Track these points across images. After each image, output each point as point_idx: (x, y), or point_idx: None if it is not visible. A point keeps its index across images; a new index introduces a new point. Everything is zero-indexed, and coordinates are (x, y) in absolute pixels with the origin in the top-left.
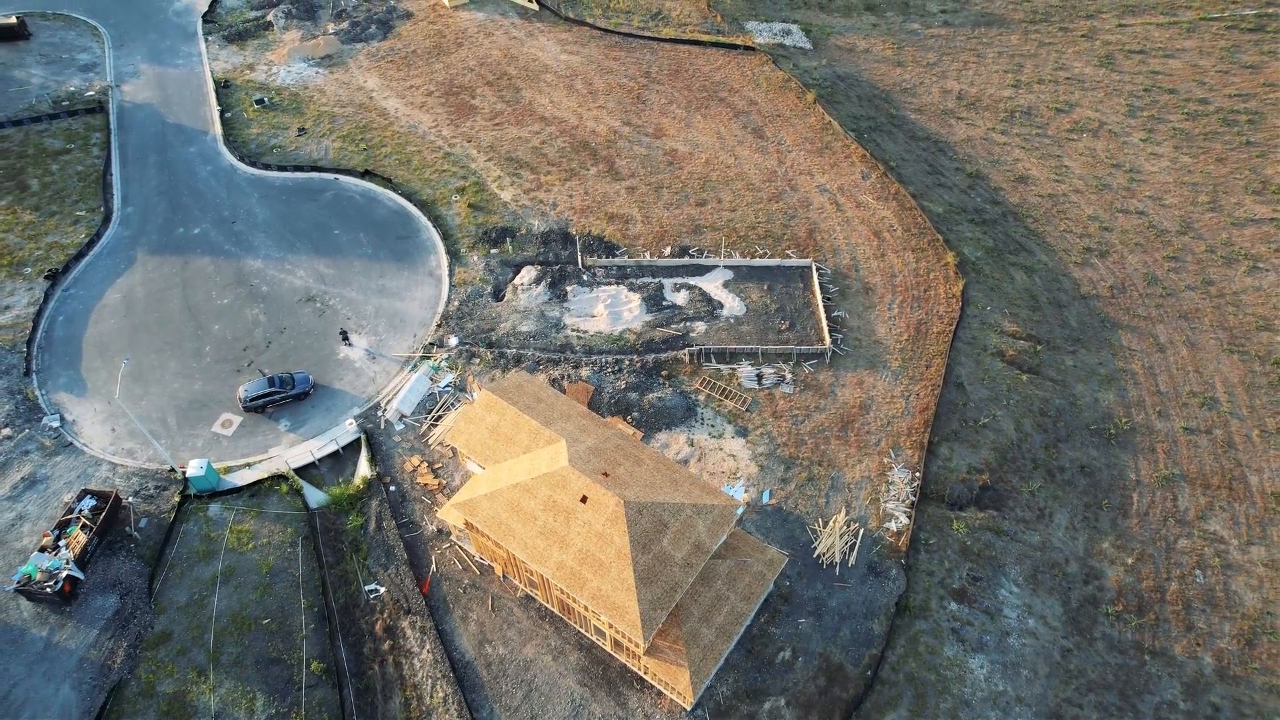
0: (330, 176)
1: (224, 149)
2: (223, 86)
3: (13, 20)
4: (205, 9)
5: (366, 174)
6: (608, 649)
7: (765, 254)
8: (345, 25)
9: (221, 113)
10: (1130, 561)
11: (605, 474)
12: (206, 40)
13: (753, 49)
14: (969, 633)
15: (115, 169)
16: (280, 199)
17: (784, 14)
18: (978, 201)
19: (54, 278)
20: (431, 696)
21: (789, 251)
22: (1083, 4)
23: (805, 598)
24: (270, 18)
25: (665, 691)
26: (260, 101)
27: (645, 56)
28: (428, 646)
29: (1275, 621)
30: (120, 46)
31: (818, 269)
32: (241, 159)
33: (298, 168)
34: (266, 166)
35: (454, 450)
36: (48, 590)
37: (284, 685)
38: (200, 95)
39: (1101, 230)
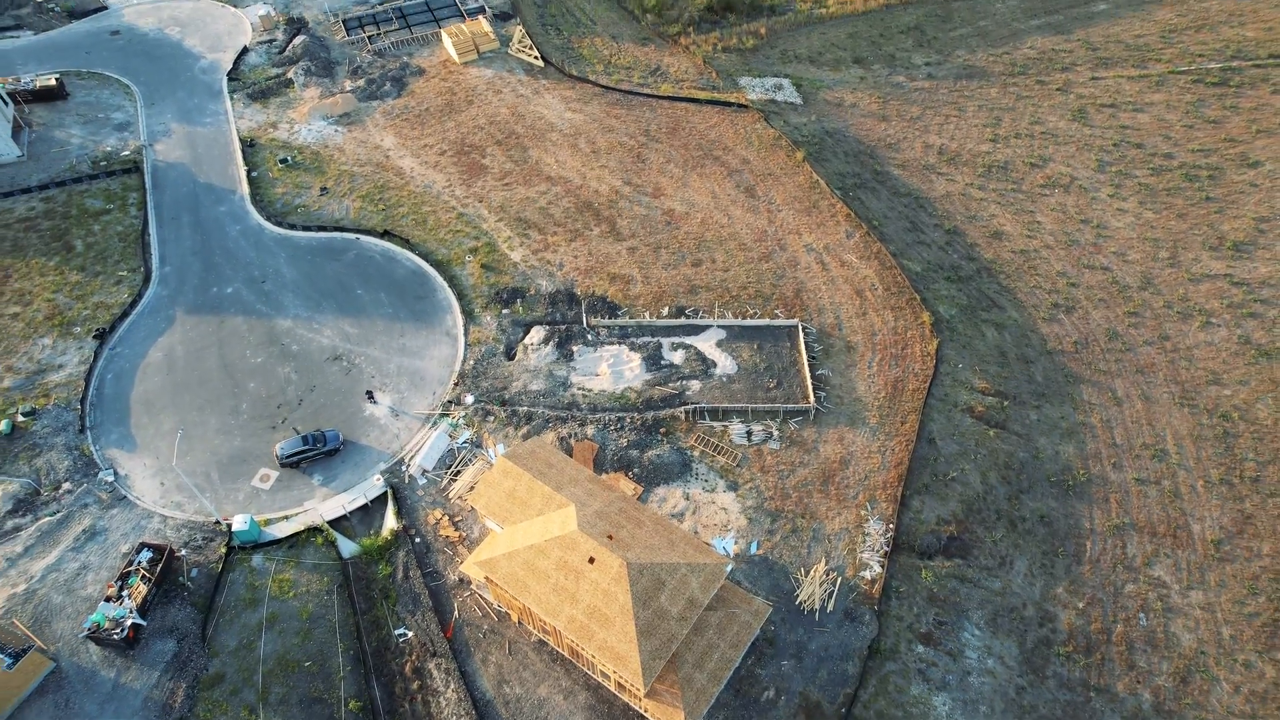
0: (352, 236)
1: (252, 208)
2: (248, 145)
3: (53, 81)
4: (230, 67)
5: (386, 234)
6: (612, 689)
7: (755, 314)
8: (362, 83)
9: (248, 172)
10: (1081, 605)
11: (610, 536)
12: (232, 98)
13: (746, 106)
14: (934, 673)
15: (152, 229)
16: (306, 258)
17: (776, 68)
18: (954, 258)
19: (102, 337)
20: None
21: (777, 311)
22: (1059, 57)
23: (788, 641)
24: (290, 75)
25: None
26: (284, 161)
27: (645, 114)
28: (452, 686)
29: (1208, 660)
30: (151, 105)
31: (804, 328)
32: (268, 218)
33: (321, 227)
34: (292, 226)
35: (473, 505)
36: (114, 636)
37: None
38: (228, 154)
39: (1069, 286)
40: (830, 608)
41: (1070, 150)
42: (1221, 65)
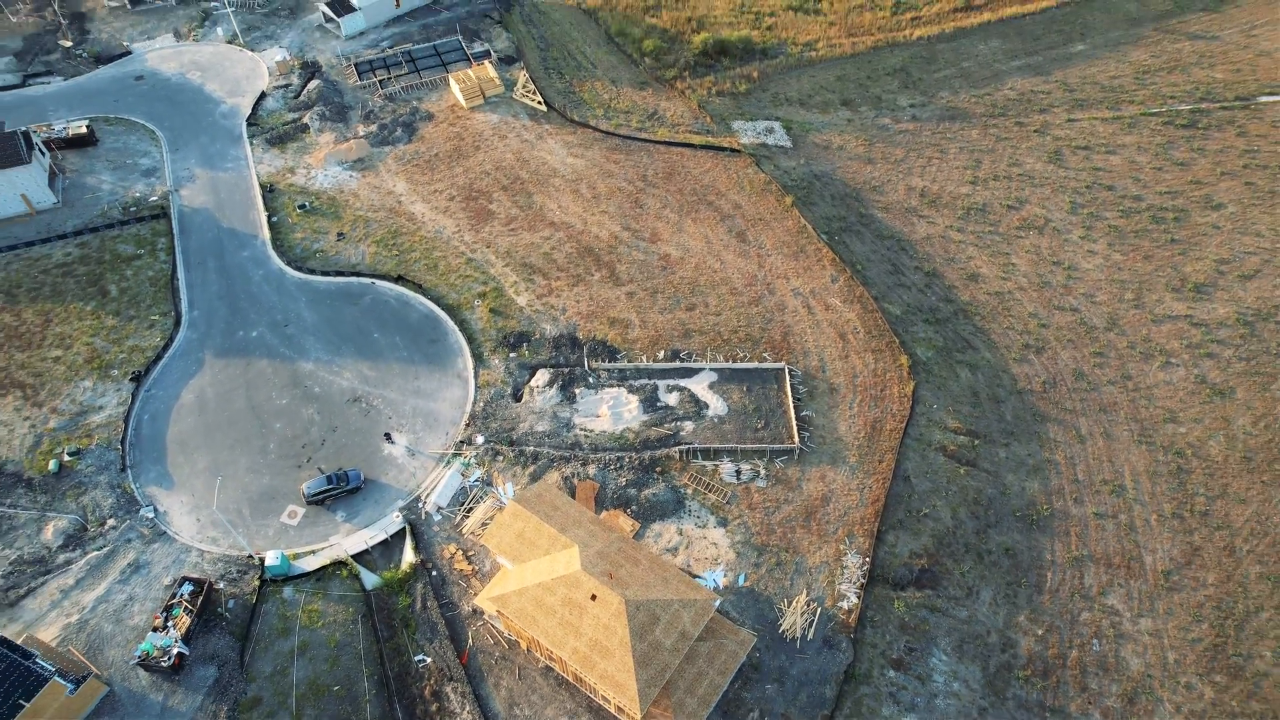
0: (368, 281)
1: (273, 253)
2: (268, 190)
3: (84, 129)
4: (249, 112)
5: (400, 279)
6: (613, 712)
7: (745, 357)
8: (374, 128)
9: (269, 217)
10: (1040, 632)
11: (610, 575)
12: (251, 143)
13: (738, 151)
14: (903, 695)
15: (181, 273)
16: (325, 303)
17: (767, 111)
18: (933, 300)
19: (138, 379)
20: None
21: (765, 354)
22: (1037, 98)
23: (771, 667)
24: (306, 120)
25: None
26: (303, 206)
27: (642, 159)
28: (467, 708)
29: (1153, 683)
30: (176, 150)
31: (790, 371)
32: (289, 263)
33: (339, 272)
34: (311, 271)
35: (486, 545)
36: (162, 664)
37: None
38: (249, 199)
39: (1040, 327)
40: (810, 635)
41: (1046, 192)
42: (1190, 107)
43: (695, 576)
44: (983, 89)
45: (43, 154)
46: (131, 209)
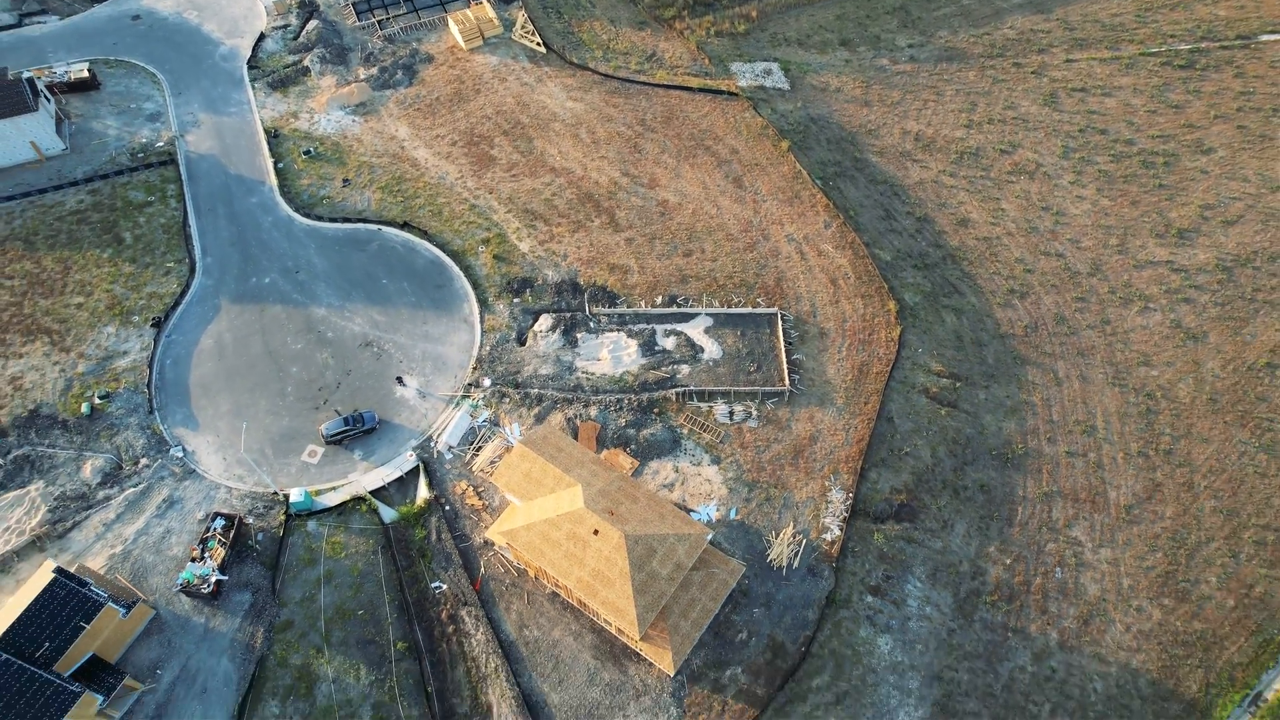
0: (374, 227)
1: (281, 200)
2: (273, 136)
3: (86, 73)
4: (249, 54)
5: (405, 225)
6: (614, 633)
7: (739, 302)
8: (375, 71)
9: (275, 163)
10: (1008, 562)
11: (611, 512)
12: (253, 87)
13: (736, 94)
14: (880, 619)
15: (192, 221)
16: (334, 249)
17: (766, 52)
18: (923, 245)
19: (159, 325)
20: (485, 667)
21: (759, 299)
22: (1036, 37)
23: (759, 593)
24: (307, 62)
25: (655, 664)
26: (308, 152)
27: (641, 103)
28: (481, 630)
29: (1107, 606)
30: (178, 94)
31: (782, 316)
32: (297, 210)
33: (346, 219)
34: (319, 218)
35: (496, 484)
36: (202, 591)
37: (379, 659)
38: (254, 145)
39: (1025, 272)
40: (796, 564)
41: (1039, 136)
42: (1190, 47)
43: (690, 511)
44: (982, 28)
45: (48, 100)
46: (139, 155)
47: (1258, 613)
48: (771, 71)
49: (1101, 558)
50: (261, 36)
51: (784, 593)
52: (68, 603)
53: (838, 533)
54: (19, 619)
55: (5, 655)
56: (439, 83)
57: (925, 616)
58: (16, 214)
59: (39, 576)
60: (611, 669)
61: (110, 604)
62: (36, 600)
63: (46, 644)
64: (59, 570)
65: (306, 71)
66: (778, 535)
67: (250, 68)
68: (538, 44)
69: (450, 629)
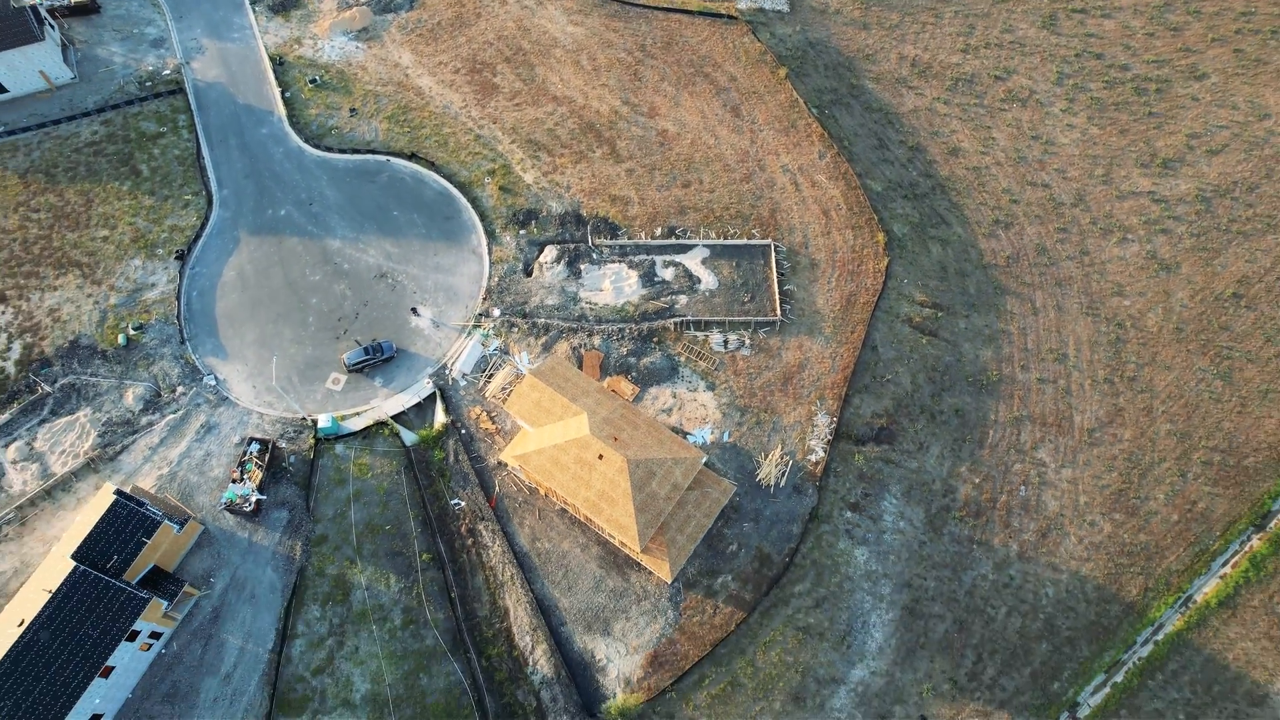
0: (383, 158)
1: (290, 130)
2: (278, 64)
3: None
4: None
5: (413, 156)
6: (617, 545)
7: (735, 234)
8: None
9: (282, 92)
10: (977, 481)
11: (614, 438)
12: (254, 10)
13: (735, 18)
14: (857, 532)
15: (205, 152)
16: (345, 181)
17: None
18: (914, 175)
19: (182, 258)
20: (502, 575)
21: (754, 231)
22: None
23: (749, 509)
24: None
25: (654, 572)
26: (314, 81)
27: (641, 28)
28: (497, 542)
29: (1064, 521)
30: (180, 19)
31: (775, 248)
32: (307, 141)
33: (355, 150)
34: (329, 149)
35: (509, 412)
36: (244, 509)
37: (406, 568)
38: (260, 73)
39: (1011, 203)
40: (783, 483)
41: (1034, 61)
42: None
43: (686, 434)
44: None
45: (52, 28)
46: (147, 84)
47: (1197, 526)
48: None
49: (1063, 477)
50: None
51: (771, 509)
52: (129, 520)
53: (822, 454)
54: (89, 536)
55: (83, 567)
56: (440, 6)
57: (899, 530)
58: (35, 145)
59: (101, 497)
60: (615, 577)
61: (166, 521)
62: (103, 519)
63: (115, 557)
64: (119, 492)
65: None
66: (767, 456)
67: None
68: None
69: (469, 541)
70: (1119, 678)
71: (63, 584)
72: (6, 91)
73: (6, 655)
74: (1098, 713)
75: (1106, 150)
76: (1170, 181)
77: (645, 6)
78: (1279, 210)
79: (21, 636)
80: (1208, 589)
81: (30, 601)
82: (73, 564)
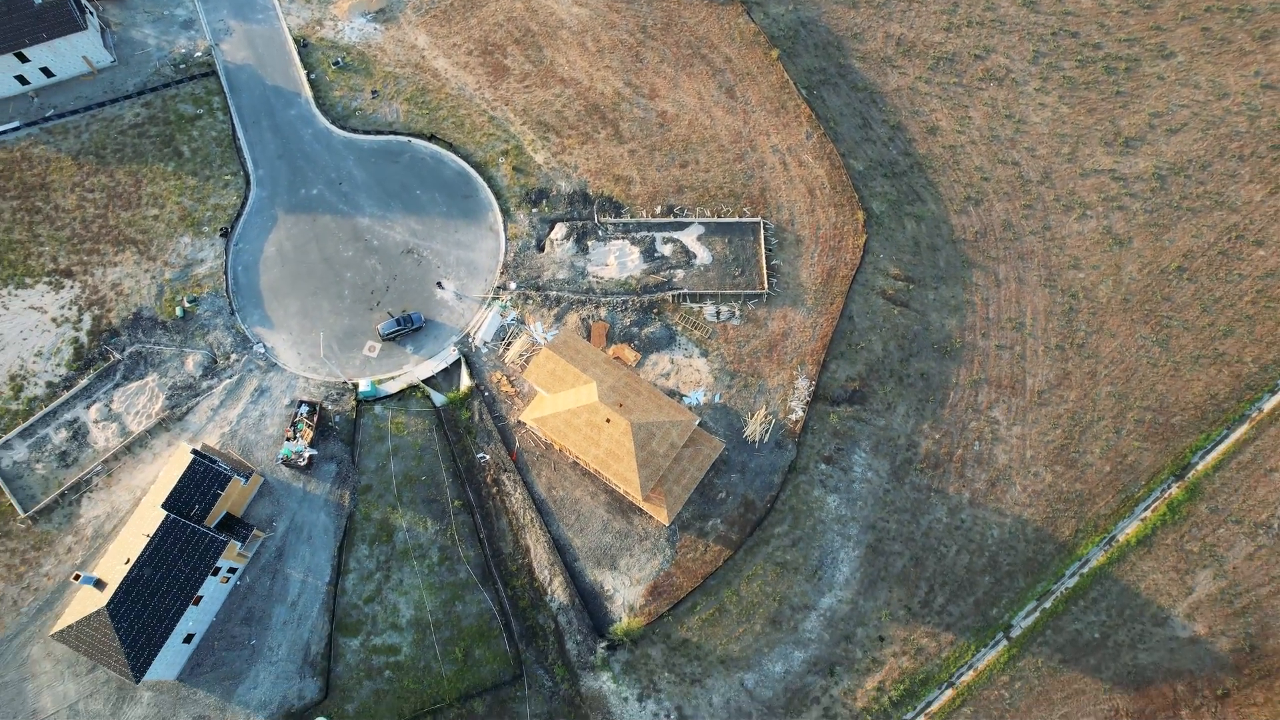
0: (404, 139)
1: (317, 112)
2: (302, 46)
3: None
4: None
5: (432, 138)
6: (622, 494)
7: (728, 212)
8: None
9: (307, 74)
10: (937, 437)
11: (620, 404)
12: None
13: None
14: (830, 481)
15: (240, 134)
16: (371, 161)
17: None
18: (893, 154)
19: (226, 235)
20: (523, 518)
21: (745, 209)
22: None
23: (736, 461)
24: None
25: (654, 517)
26: (337, 63)
27: (641, 9)
28: (519, 491)
29: (1011, 473)
30: (206, 0)
31: (764, 225)
32: (333, 122)
33: (379, 131)
34: (354, 130)
35: (523, 367)
36: (299, 464)
37: (440, 513)
38: (285, 55)
39: (982, 180)
40: (766, 439)
41: (1013, 40)
42: None
43: (682, 396)
44: None
45: (91, 14)
46: (182, 66)
47: (1125, 476)
48: None
49: (1013, 434)
50: None
51: (755, 461)
52: (206, 475)
53: (801, 414)
54: (175, 489)
55: (173, 515)
56: None
57: (866, 480)
58: (84, 128)
59: (179, 455)
60: (620, 520)
61: (234, 475)
62: (185, 473)
63: (196, 506)
64: (196, 451)
65: None
66: (753, 415)
67: None
68: None
69: (494, 490)
70: (1048, 604)
71: (158, 529)
72: (54, 76)
73: (119, 587)
74: (1028, 633)
75: (1074, 129)
76: (1130, 160)
77: None
78: (1227, 188)
79: (129, 572)
80: (1129, 530)
81: (131, 544)
82: (164, 513)
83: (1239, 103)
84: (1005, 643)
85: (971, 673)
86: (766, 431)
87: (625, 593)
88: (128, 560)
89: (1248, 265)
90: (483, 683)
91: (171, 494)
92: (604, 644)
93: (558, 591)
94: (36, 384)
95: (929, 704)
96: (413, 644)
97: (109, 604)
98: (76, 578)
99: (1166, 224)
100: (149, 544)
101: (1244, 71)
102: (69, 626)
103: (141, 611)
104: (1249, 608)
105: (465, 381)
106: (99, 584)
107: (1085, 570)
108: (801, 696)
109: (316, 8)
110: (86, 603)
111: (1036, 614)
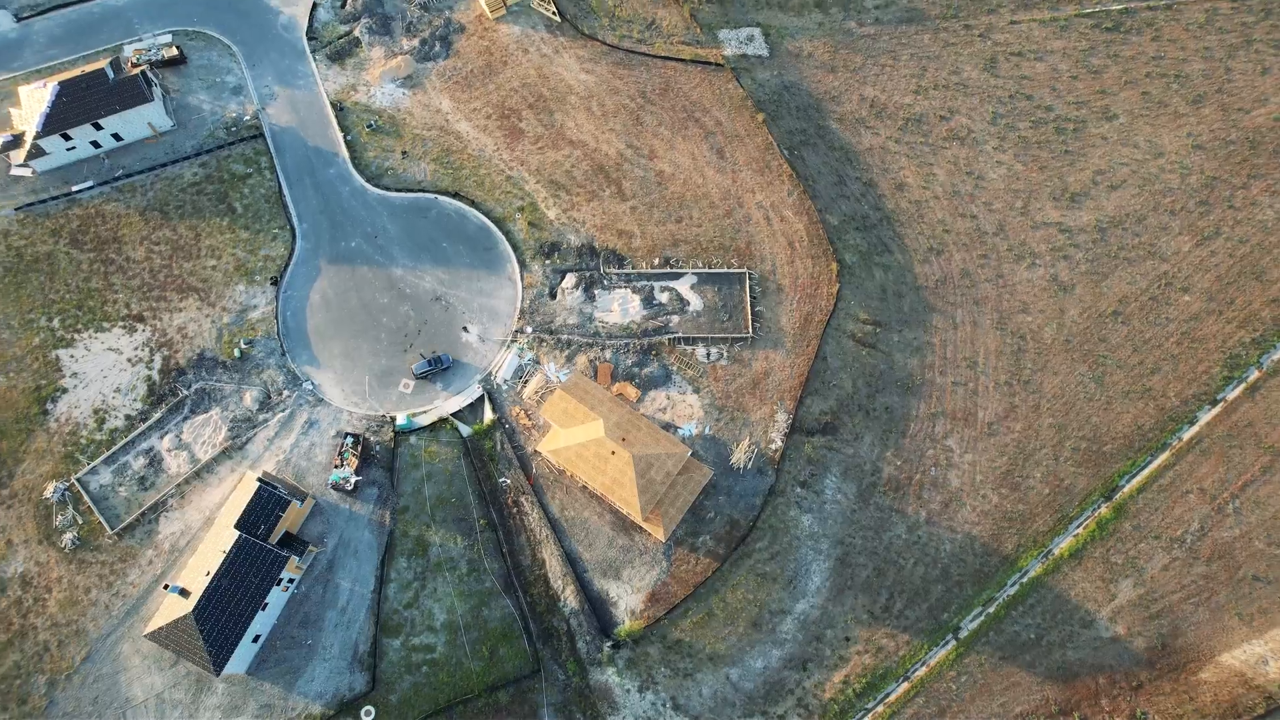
0: (431, 196)
1: (354, 171)
2: (339, 110)
3: (174, 51)
4: (306, 24)
5: (456, 195)
6: (624, 514)
7: (718, 264)
8: (416, 43)
9: (344, 136)
10: (899, 463)
11: (623, 439)
12: (314, 58)
13: (721, 65)
14: (805, 503)
15: (285, 191)
16: (402, 216)
17: (749, 16)
18: (865, 209)
19: (276, 283)
20: (539, 535)
21: (733, 261)
22: None
23: (723, 485)
24: (357, 33)
25: (653, 534)
26: (370, 126)
27: (642, 75)
28: (535, 511)
29: (963, 495)
30: (253, 67)
31: (749, 275)
32: (368, 180)
33: (408, 189)
34: (387, 188)
35: (539, 403)
36: (346, 488)
37: (469, 530)
38: (324, 118)
39: (944, 233)
40: (749, 466)
41: (974, 102)
42: (1120, 7)
43: (677, 428)
44: None
45: (156, 85)
46: (233, 129)
47: (1062, 497)
48: (754, 38)
49: (965, 460)
50: (315, 5)
51: (740, 486)
52: (269, 498)
53: (780, 444)
54: (245, 511)
55: (243, 534)
56: (471, 54)
57: (836, 501)
58: (149, 186)
59: (245, 481)
60: (624, 537)
61: (292, 498)
62: (253, 498)
63: (262, 526)
64: (260, 478)
65: (358, 43)
66: (738, 445)
67: (309, 38)
68: (553, 13)
69: (514, 510)
70: (991, 609)
71: (232, 546)
72: (122, 140)
73: (203, 595)
74: (973, 634)
75: (1026, 185)
76: (1075, 213)
77: (645, 55)
78: (1159, 239)
79: (210, 583)
80: (1064, 545)
81: (209, 558)
82: (236, 533)
83: (1173, 161)
84: (954, 642)
85: (924, 668)
86: (750, 459)
87: (628, 599)
88: (208, 572)
89: (1174, 310)
90: (506, 676)
91: (242, 516)
92: (610, 643)
93: (570, 598)
94: (116, 417)
95: (887, 695)
96: (446, 643)
97: (194, 609)
98: (166, 587)
99: (1105, 272)
100: (225, 559)
101: (1177, 133)
102: (160, 628)
103: (220, 616)
104: (1163, 612)
105: (489, 415)
106: (183, 592)
107: (1024, 580)
108: (778, 689)
109: (351, 74)
110: (173, 608)
111: (981, 618)
